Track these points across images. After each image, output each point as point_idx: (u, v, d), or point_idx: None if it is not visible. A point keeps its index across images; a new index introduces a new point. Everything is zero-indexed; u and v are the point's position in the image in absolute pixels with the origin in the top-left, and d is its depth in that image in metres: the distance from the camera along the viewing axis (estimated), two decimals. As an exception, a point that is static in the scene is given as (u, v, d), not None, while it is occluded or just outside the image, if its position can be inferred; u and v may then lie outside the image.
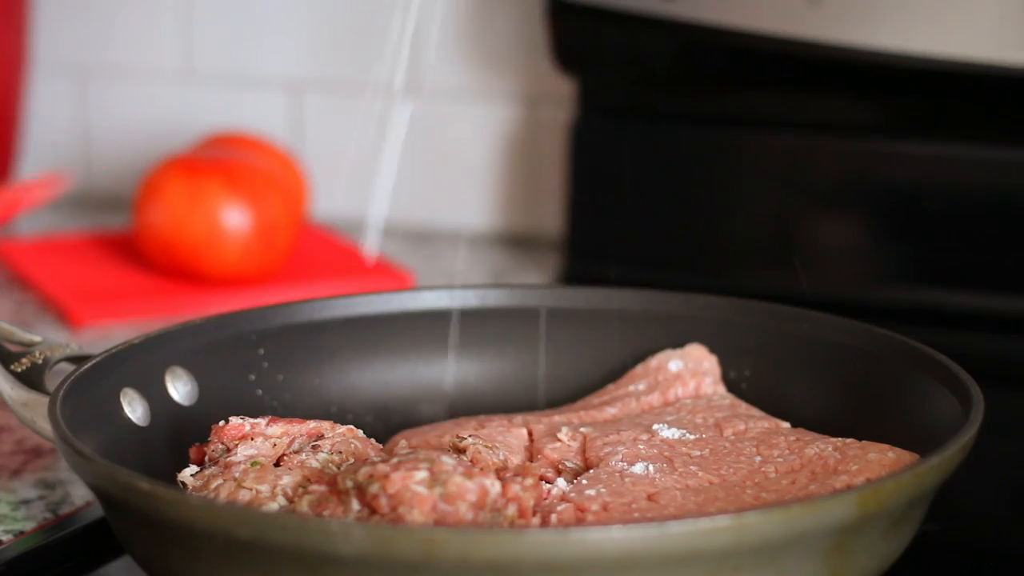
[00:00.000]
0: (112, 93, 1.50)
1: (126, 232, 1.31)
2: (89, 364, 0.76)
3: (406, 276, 1.24)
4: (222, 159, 1.21)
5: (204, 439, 0.74)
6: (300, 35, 1.44)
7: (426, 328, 0.86)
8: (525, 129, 1.38)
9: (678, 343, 0.86)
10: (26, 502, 0.83)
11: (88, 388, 0.74)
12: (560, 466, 0.76)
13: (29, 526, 0.80)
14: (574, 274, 1.25)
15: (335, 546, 0.58)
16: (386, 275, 1.24)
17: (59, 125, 1.52)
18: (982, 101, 1.11)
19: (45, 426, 0.73)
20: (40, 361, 0.79)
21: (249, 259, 1.19)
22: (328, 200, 1.41)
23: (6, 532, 0.80)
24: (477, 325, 0.87)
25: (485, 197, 1.40)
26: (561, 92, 1.31)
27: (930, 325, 1.12)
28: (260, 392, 0.82)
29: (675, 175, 1.22)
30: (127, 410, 0.77)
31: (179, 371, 0.80)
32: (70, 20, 1.50)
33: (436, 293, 0.87)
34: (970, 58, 1.05)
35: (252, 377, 0.83)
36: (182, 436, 0.77)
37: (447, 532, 0.59)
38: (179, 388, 0.80)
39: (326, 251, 1.30)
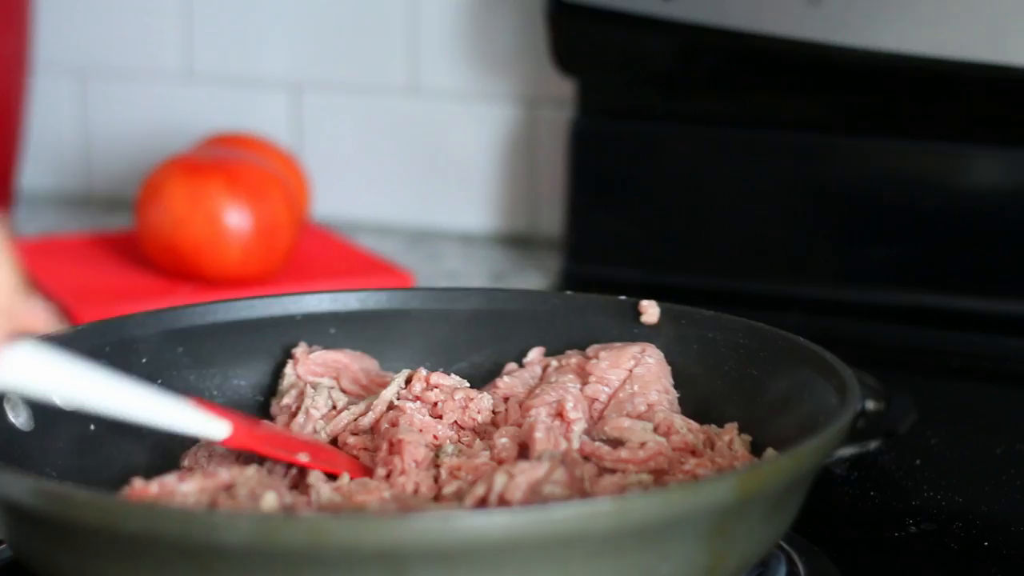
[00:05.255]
0: (113, 94, 1.51)
1: (127, 232, 1.31)
2: None
3: (406, 276, 1.24)
4: (223, 159, 1.21)
5: (92, 445, 0.74)
6: (300, 35, 1.44)
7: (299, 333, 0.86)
8: (525, 130, 1.38)
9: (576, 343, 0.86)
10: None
11: None
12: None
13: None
14: (574, 274, 1.25)
15: (221, 537, 0.58)
16: (386, 275, 1.24)
17: (60, 126, 1.52)
18: (983, 102, 1.11)
19: None
20: None
21: (250, 259, 1.19)
22: (328, 200, 1.42)
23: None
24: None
25: (485, 197, 1.40)
26: (561, 93, 1.32)
27: (930, 326, 1.13)
28: None
29: (674, 175, 1.22)
30: (11, 416, 0.75)
31: None
32: (71, 21, 1.50)
33: (318, 297, 0.86)
34: (970, 59, 1.05)
35: (135, 380, 0.81)
36: (71, 441, 0.77)
37: (332, 520, 0.59)
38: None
39: (326, 251, 1.31)
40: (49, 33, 1.49)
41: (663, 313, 0.83)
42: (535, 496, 0.68)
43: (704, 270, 1.20)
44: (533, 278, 1.29)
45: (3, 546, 0.76)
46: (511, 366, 0.84)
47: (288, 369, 0.83)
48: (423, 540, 0.58)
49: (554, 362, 0.83)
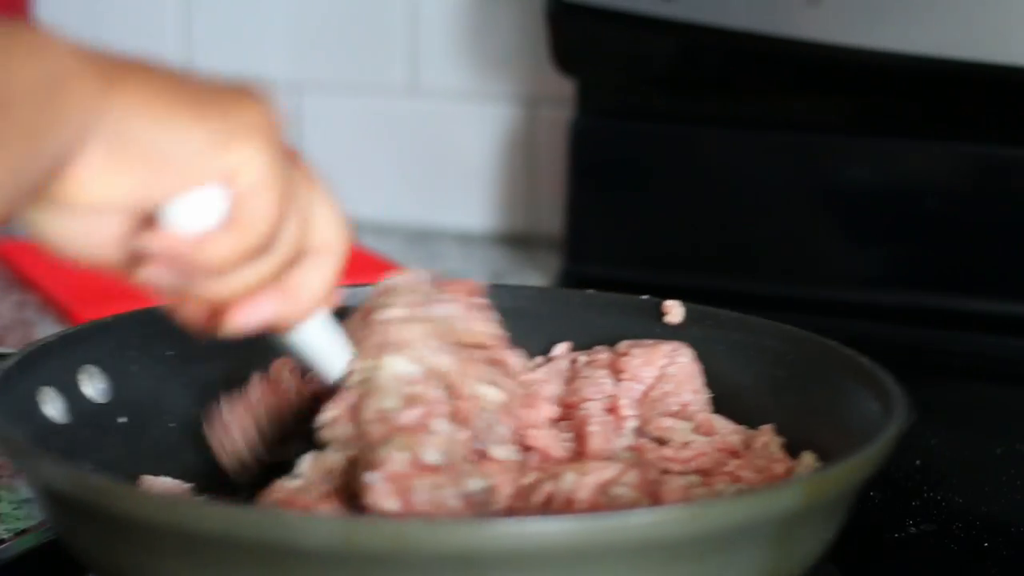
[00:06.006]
0: (113, 93, 1.50)
1: (127, 232, 1.31)
2: (10, 363, 0.74)
3: (406, 276, 1.24)
4: (222, 159, 1.21)
5: (123, 436, 0.75)
6: (300, 35, 1.44)
7: None
8: (525, 129, 1.38)
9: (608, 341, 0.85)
10: (27, 501, 0.84)
11: (8, 387, 0.73)
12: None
13: (30, 524, 0.81)
14: (573, 274, 1.25)
15: (300, 540, 0.58)
16: (386, 274, 1.24)
17: (60, 125, 1.52)
18: (982, 102, 1.11)
19: None
20: None
21: (249, 259, 1.19)
22: (328, 200, 1.42)
23: (7, 530, 0.80)
24: None
25: (485, 197, 1.40)
26: (561, 92, 1.32)
27: (930, 326, 1.13)
28: (173, 387, 0.81)
29: (674, 175, 1.22)
30: (46, 408, 0.76)
31: (93, 369, 0.79)
32: (71, 21, 1.50)
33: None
34: (970, 59, 1.05)
35: (162, 371, 0.81)
36: (101, 433, 0.77)
37: (415, 525, 0.59)
38: (95, 386, 0.79)
39: (326, 251, 1.31)
40: (49, 33, 1.49)
41: (687, 314, 0.83)
42: (602, 497, 0.67)
43: (704, 270, 1.20)
44: (533, 278, 1.29)
45: (4, 545, 0.76)
46: (537, 360, 0.84)
47: None
48: (502, 546, 0.58)
49: (582, 357, 0.82)
